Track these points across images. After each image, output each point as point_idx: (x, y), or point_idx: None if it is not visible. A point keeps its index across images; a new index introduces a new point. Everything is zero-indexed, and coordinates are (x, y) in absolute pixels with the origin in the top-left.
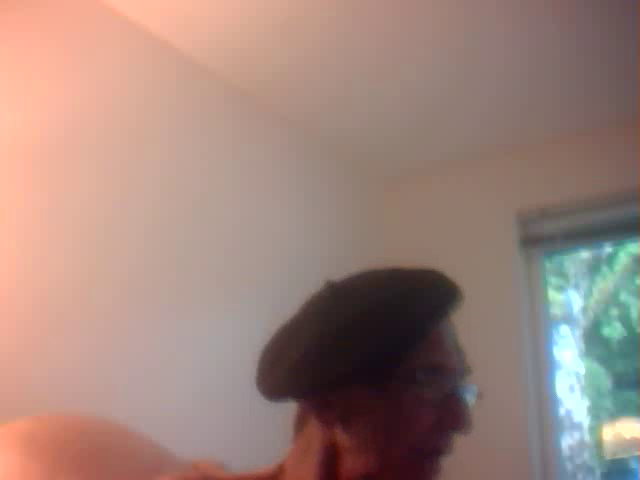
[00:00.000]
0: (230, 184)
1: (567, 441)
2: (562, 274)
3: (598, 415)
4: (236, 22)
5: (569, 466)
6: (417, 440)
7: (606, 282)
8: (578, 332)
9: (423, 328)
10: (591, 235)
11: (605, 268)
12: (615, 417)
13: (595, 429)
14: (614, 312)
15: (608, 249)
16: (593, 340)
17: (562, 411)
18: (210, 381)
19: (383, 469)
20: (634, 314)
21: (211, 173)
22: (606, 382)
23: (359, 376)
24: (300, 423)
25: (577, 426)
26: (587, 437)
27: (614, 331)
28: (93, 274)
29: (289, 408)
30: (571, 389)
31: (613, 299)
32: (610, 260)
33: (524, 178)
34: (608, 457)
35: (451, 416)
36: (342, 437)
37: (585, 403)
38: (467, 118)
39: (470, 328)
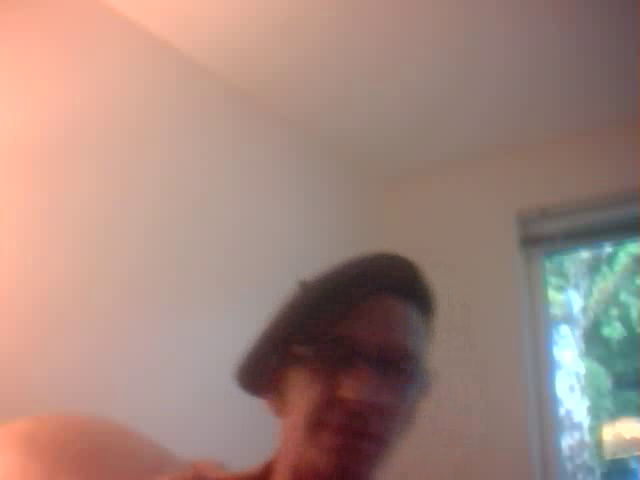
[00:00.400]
0: (230, 184)
1: (567, 441)
2: (562, 274)
3: (598, 415)
4: (236, 22)
5: (569, 466)
6: (316, 413)
7: (606, 282)
8: (578, 332)
9: (328, 306)
10: (591, 235)
11: (605, 268)
12: (615, 417)
13: (595, 429)
14: (614, 312)
15: (608, 249)
16: (593, 340)
17: (562, 411)
18: (210, 381)
19: (305, 448)
20: (634, 314)
21: (211, 173)
22: (606, 382)
23: (284, 357)
24: None
25: (577, 426)
26: (587, 437)
27: (614, 331)
28: (93, 274)
29: None
30: (571, 389)
31: (613, 299)
32: (610, 260)
33: (524, 178)
34: (608, 457)
35: (342, 388)
36: (287, 422)
37: (585, 403)
38: (467, 118)
39: (470, 328)
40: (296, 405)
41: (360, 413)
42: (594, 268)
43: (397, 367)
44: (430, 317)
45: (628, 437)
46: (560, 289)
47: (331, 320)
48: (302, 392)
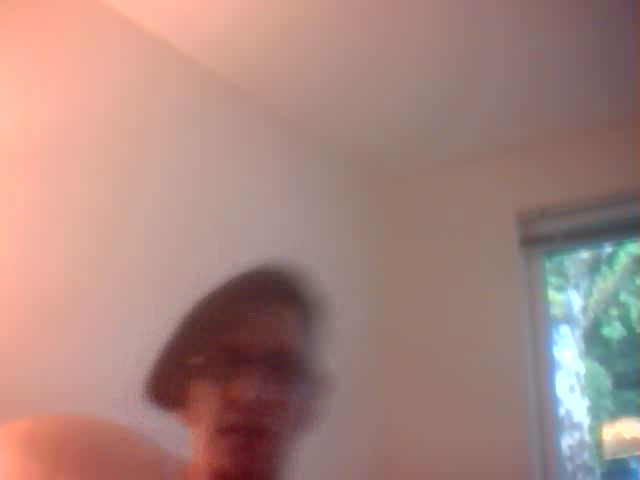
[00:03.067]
0: (230, 184)
1: (567, 441)
2: (562, 274)
3: (598, 415)
4: (236, 22)
5: (569, 466)
6: (213, 417)
7: (606, 282)
8: (578, 332)
9: (213, 316)
10: (591, 235)
11: (605, 268)
12: (615, 417)
13: (595, 429)
14: (614, 312)
15: (608, 249)
16: (593, 340)
17: (562, 411)
18: None
19: (210, 452)
20: (634, 314)
21: (211, 173)
22: (606, 382)
23: (183, 369)
24: None
25: (577, 426)
26: (587, 437)
27: (614, 331)
28: (93, 274)
29: None
30: (571, 389)
31: (613, 299)
32: (610, 260)
33: (524, 178)
34: (608, 457)
35: (238, 389)
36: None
37: (585, 403)
38: (467, 118)
39: (470, 328)
40: (199, 413)
41: (251, 411)
42: (594, 268)
43: (282, 366)
44: (315, 322)
45: (628, 437)
46: (560, 289)
47: (217, 329)
48: (202, 400)
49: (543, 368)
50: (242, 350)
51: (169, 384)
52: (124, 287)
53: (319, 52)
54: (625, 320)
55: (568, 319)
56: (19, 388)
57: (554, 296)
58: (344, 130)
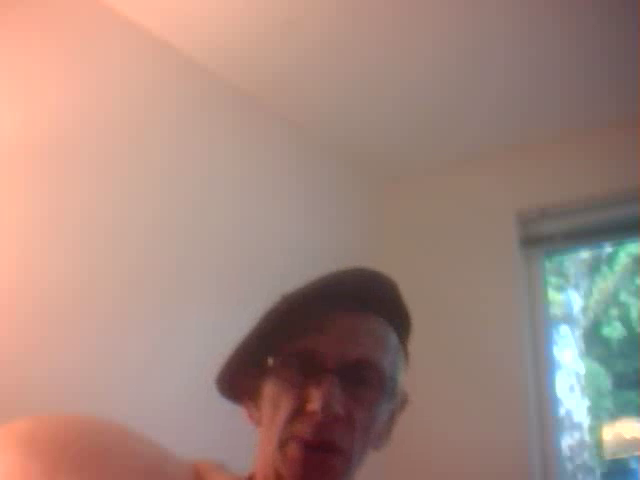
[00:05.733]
0: (230, 184)
1: (567, 441)
2: (562, 274)
3: (598, 415)
4: (236, 22)
5: (569, 466)
6: (283, 425)
7: (606, 282)
8: (578, 332)
9: (296, 319)
10: (591, 235)
11: (605, 268)
12: (615, 417)
13: (595, 429)
14: (614, 312)
15: (608, 249)
16: (593, 340)
17: (562, 411)
18: (211, 381)
19: (275, 460)
20: (634, 314)
21: (211, 173)
22: (606, 382)
23: (259, 369)
24: None
25: (577, 426)
26: (587, 437)
27: (614, 331)
28: (93, 274)
29: None
30: (571, 389)
31: (613, 299)
32: (610, 260)
33: (524, 178)
34: (608, 457)
35: (307, 401)
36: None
37: (585, 403)
38: (467, 118)
39: (470, 328)
40: (269, 416)
41: (322, 425)
42: (594, 268)
43: (366, 381)
44: (405, 335)
45: (628, 437)
46: (560, 289)
47: (300, 333)
48: (274, 404)
49: (543, 368)
50: (320, 358)
51: (243, 378)
52: (124, 287)
53: (319, 52)
54: (625, 320)
55: (568, 319)
56: (20, 388)
57: (554, 296)
58: (344, 130)
